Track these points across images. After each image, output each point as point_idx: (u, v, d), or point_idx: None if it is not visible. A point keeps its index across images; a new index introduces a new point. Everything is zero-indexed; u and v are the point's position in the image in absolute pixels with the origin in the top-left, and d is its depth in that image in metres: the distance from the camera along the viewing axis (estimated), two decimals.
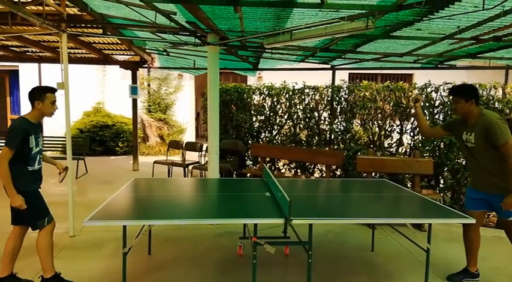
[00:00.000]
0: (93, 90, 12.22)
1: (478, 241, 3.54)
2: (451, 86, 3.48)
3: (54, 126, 11.29)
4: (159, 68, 9.45)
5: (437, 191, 5.42)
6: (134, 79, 8.70)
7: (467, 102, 3.27)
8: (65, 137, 4.73)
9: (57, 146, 8.68)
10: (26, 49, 8.05)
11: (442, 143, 5.40)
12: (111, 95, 12.22)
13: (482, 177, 3.34)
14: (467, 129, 3.36)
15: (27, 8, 4.49)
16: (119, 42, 6.76)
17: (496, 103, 5.19)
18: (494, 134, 3.12)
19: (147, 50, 7.62)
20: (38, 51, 8.03)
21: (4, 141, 2.94)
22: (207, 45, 4.94)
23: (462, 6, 3.20)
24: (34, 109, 3.12)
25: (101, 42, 7.03)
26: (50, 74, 11.76)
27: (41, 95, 3.11)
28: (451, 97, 3.38)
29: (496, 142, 3.13)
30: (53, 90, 3.18)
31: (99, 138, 10.91)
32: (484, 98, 5.20)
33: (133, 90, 8.46)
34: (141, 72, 11.92)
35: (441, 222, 3.34)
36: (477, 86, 5.34)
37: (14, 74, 12.51)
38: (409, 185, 5.56)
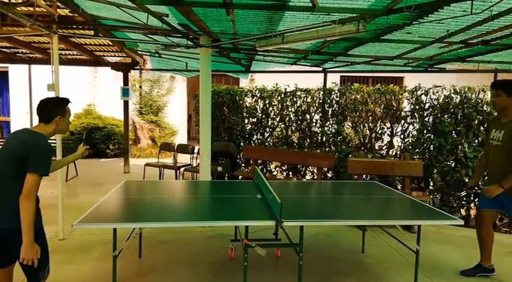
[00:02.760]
0: (84, 92, 12.13)
1: (490, 239, 3.61)
2: (495, 82, 3.51)
3: None
4: (151, 69, 9.41)
5: (427, 193, 5.48)
6: (126, 81, 8.65)
7: (509, 97, 3.29)
8: (55, 139, 4.69)
9: None
10: (16, 50, 7.97)
11: (431, 146, 5.46)
12: (103, 96, 12.15)
13: (498, 178, 3.36)
14: (498, 127, 3.39)
15: (18, 8, 4.45)
16: (110, 43, 6.73)
17: (485, 106, 5.26)
18: None
19: (139, 52, 7.59)
20: (28, 52, 7.96)
21: (35, 165, 2.21)
22: (199, 47, 4.94)
23: (451, 10, 3.25)
24: (50, 125, 2.46)
25: (92, 43, 6.99)
26: (40, 76, 11.65)
27: (62, 109, 2.51)
28: (493, 90, 3.40)
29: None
30: (69, 102, 2.60)
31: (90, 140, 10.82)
32: (473, 101, 5.27)
33: (125, 92, 8.42)
34: (133, 74, 11.87)
35: (430, 224, 3.37)
36: (466, 89, 5.42)
37: (3, 76, 12.36)
38: (399, 187, 5.61)
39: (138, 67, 8.84)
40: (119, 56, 8.41)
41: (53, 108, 2.48)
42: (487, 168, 3.60)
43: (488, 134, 3.55)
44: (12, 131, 12.44)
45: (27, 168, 2.19)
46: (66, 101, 2.57)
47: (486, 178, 3.66)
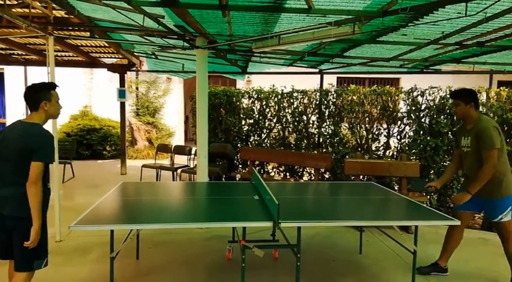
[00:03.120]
0: (80, 93, 12.10)
1: (458, 241, 3.64)
2: (453, 90, 3.61)
3: None
4: (148, 71, 9.41)
5: (424, 194, 5.49)
6: (122, 82, 8.64)
7: (467, 105, 3.37)
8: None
9: None
10: (11, 51, 7.94)
11: (428, 147, 5.49)
12: (99, 98, 12.12)
13: (468, 181, 3.44)
14: (466, 134, 3.46)
15: (13, 10, 4.44)
16: (106, 45, 6.72)
17: (480, 107, 5.29)
18: (484, 139, 3.22)
19: (135, 53, 7.58)
20: (24, 53, 7.93)
21: (39, 155, 2.36)
22: (195, 49, 4.94)
23: (446, 12, 3.27)
24: (39, 112, 2.51)
25: (88, 45, 6.98)
26: (36, 77, 11.60)
27: (47, 94, 2.53)
28: (452, 101, 3.53)
29: (482, 147, 3.23)
30: (55, 87, 2.63)
31: (87, 142, 10.79)
32: None
33: (121, 94, 8.41)
34: (129, 75, 11.85)
35: (428, 224, 3.39)
36: None
37: None
38: (396, 188, 5.63)
39: (134, 68, 8.83)
40: (115, 58, 8.40)
41: (37, 94, 2.52)
42: (456, 173, 3.70)
43: (458, 142, 3.61)
44: None
45: (32, 158, 2.34)
46: (50, 85, 2.60)
47: (463, 182, 3.69)
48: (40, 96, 2.52)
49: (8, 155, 2.42)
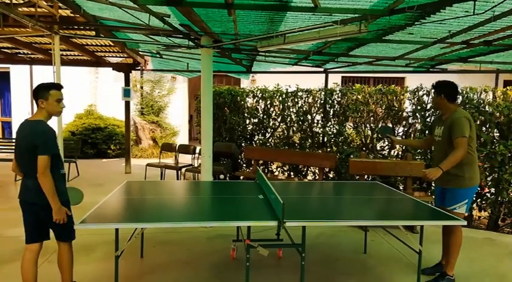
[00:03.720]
0: (85, 92, 12.15)
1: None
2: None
3: None
4: (152, 70, 9.43)
5: (429, 193, 5.46)
6: (127, 81, 8.66)
7: (438, 96, 3.50)
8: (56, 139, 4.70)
9: None
10: (17, 51, 7.98)
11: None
12: (104, 97, 12.16)
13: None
14: (440, 124, 3.58)
15: (19, 9, 4.46)
16: (111, 44, 6.74)
17: (487, 106, 5.25)
18: (454, 127, 3.32)
19: (140, 52, 7.60)
20: (29, 53, 7.97)
21: (41, 149, 2.65)
22: (200, 48, 4.94)
23: (453, 11, 3.25)
24: (39, 109, 2.82)
25: (94, 44, 7.00)
26: (42, 76, 11.66)
27: (44, 92, 2.79)
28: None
29: (452, 135, 3.32)
30: (58, 87, 2.86)
31: (91, 141, 10.83)
32: (475, 101, 5.26)
33: (126, 93, 8.43)
34: (134, 74, 11.88)
35: (433, 224, 3.36)
36: (468, 89, 5.41)
37: (5, 76, 12.39)
38: (401, 188, 5.61)
39: (139, 68, 8.84)
40: (120, 57, 8.42)
41: (35, 93, 2.82)
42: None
43: (432, 130, 3.76)
44: (13, 131, 12.49)
45: (37, 153, 2.66)
46: (51, 85, 2.86)
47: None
48: (39, 94, 2.80)
49: (23, 152, 2.78)
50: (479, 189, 5.31)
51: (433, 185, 5.69)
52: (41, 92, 2.79)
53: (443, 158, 3.39)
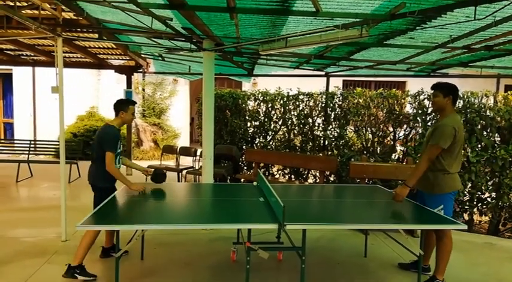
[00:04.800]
0: (87, 94, 12.19)
1: (431, 242, 3.62)
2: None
3: (48, 130, 11.25)
4: (154, 72, 9.46)
5: None
6: (129, 84, 8.70)
7: (445, 97, 3.41)
8: (58, 141, 4.71)
9: (50, 150, 8.63)
10: (20, 52, 8.02)
11: None
12: (106, 99, 12.18)
13: (423, 176, 3.52)
14: (432, 126, 3.60)
15: (23, 11, 4.48)
16: (114, 46, 6.77)
17: (488, 111, 5.26)
18: (435, 133, 3.31)
19: (142, 55, 7.63)
20: (32, 54, 8.01)
21: (105, 146, 3.52)
22: (202, 51, 4.96)
23: (454, 16, 3.27)
24: (118, 117, 3.71)
25: (96, 46, 7.03)
26: (44, 78, 11.72)
27: (126, 106, 3.70)
28: (432, 92, 3.56)
29: (430, 140, 3.33)
30: (134, 103, 3.85)
31: (93, 143, 10.84)
32: (476, 106, 5.27)
33: (128, 95, 8.45)
34: (136, 76, 11.91)
35: (433, 228, 3.37)
36: (469, 94, 5.42)
37: (8, 78, 12.44)
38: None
39: (141, 70, 8.87)
40: (122, 59, 8.45)
41: (118, 105, 3.71)
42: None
43: None
44: (15, 132, 12.52)
45: (103, 149, 3.53)
46: (129, 101, 3.81)
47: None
48: (121, 106, 3.70)
49: (94, 145, 3.70)
50: (479, 193, 5.31)
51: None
52: (123, 105, 3.70)
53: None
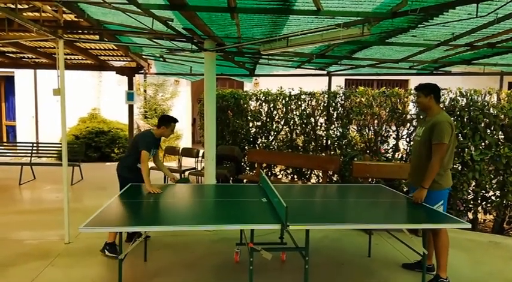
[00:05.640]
0: (89, 96, 12.21)
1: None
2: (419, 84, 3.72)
3: (50, 133, 11.27)
4: (156, 74, 9.46)
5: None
6: (130, 85, 8.69)
7: (427, 97, 3.53)
8: (60, 143, 4.71)
9: (52, 152, 8.64)
10: (22, 55, 8.04)
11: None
12: (107, 101, 12.21)
13: (412, 170, 3.67)
14: (422, 124, 3.63)
15: (24, 14, 4.49)
16: (115, 48, 6.77)
17: (491, 109, 5.22)
18: (435, 131, 3.34)
19: (143, 56, 7.63)
20: (34, 57, 8.02)
21: (140, 146, 3.98)
22: (203, 52, 4.95)
23: (456, 13, 3.24)
24: (159, 129, 4.18)
25: (98, 48, 7.04)
26: (46, 80, 11.75)
27: (168, 123, 4.16)
28: (416, 93, 3.70)
29: (432, 139, 3.36)
30: (176, 121, 4.25)
31: (95, 144, 10.86)
32: (479, 103, 5.24)
33: (130, 96, 8.45)
34: (137, 78, 11.94)
35: (437, 227, 3.34)
36: (472, 91, 5.39)
37: (9, 80, 12.48)
38: (405, 190, 5.58)
39: (142, 71, 8.87)
40: (123, 61, 8.45)
41: (163, 119, 4.19)
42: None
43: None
44: (18, 135, 12.56)
45: (139, 148, 3.99)
46: (172, 119, 4.21)
47: (410, 173, 3.76)
48: (164, 121, 4.16)
49: (129, 145, 4.42)
50: (483, 191, 5.28)
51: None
52: (166, 121, 4.16)
53: (417, 159, 3.55)
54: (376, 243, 4.47)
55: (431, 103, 3.53)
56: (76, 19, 5.03)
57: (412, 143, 5.91)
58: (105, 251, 4.01)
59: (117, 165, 4.34)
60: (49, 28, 4.33)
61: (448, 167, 3.48)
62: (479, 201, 5.38)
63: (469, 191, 5.29)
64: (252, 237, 2.96)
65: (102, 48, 7.01)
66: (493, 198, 5.34)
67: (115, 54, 7.64)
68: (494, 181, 5.28)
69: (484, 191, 5.32)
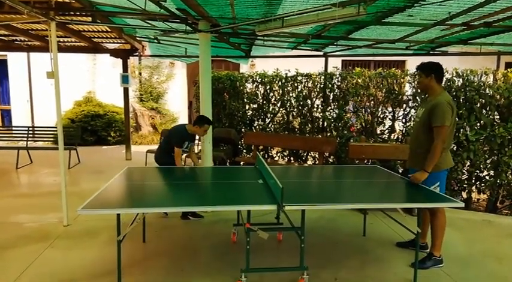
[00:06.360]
0: (83, 79, 12.09)
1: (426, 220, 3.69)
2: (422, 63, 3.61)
3: (46, 116, 11.21)
4: (150, 56, 9.34)
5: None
6: (125, 68, 8.61)
7: (427, 77, 3.43)
8: (56, 127, 4.69)
9: (48, 136, 8.61)
10: (14, 38, 7.91)
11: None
12: (102, 84, 12.11)
13: (410, 152, 3.61)
14: (423, 105, 3.58)
15: None
16: (108, 30, 6.67)
17: (487, 89, 5.22)
18: (436, 113, 3.28)
19: (137, 38, 7.53)
20: (26, 40, 7.90)
21: (174, 142, 4.48)
22: (198, 33, 4.89)
23: None
24: (193, 126, 4.53)
25: (91, 30, 6.93)
26: (39, 63, 11.60)
27: (202, 124, 4.48)
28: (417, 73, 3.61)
29: (433, 122, 3.29)
30: (210, 123, 4.58)
31: (91, 128, 10.83)
32: (475, 84, 5.24)
33: (124, 79, 8.38)
34: (132, 60, 11.80)
35: (431, 207, 3.39)
36: (468, 72, 5.37)
37: (2, 64, 12.31)
38: (400, 171, 5.63)
39: (137, 53, 8.77)
40: (117, 43, 8.34)
41: (198, 120, 4.53)
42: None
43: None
44: (13, 119, 12.49)
45: (172, 143, 4.50)
46: (206, 121, 4.52)
47: (409, 155, 3.70)
48: (199, 121, 4.51)
49: (165, 136, 4.96)
50: (477, 171, 5.34)
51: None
52: (201, 122, 4.48)
53: (415, 140, 3.50)
54: (371, 222, 4.54)
55: (432, 83, 3.42)
56: (67, 0, 4.94)
57: (408, 124, 5.94)
58: (188, 217, 4.60)
59: (155, 153, 4.85)
60: (40, 10, 4.25)
61: (448, 148, 3.44)
62: (473, 181, 5.45)
63: (464, 171, 5.35)
64: (249, 217, 3.00)
65: (96, 30, 6.91)
66: (487, 178, 5.41)
67: (109, 36, 7.53)
68: (488, 161, 5.34)
69: (478, 171, 5.38)
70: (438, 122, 3.26)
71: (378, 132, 6.30)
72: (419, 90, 5.55)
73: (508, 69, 5.42)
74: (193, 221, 4.63)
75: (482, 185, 5.44)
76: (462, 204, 3.08)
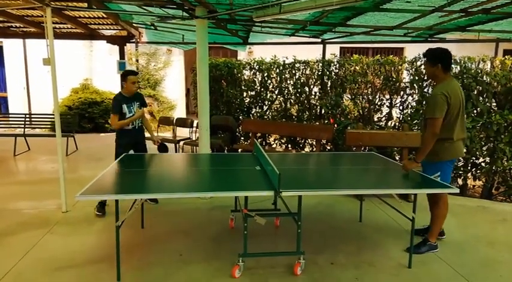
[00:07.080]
0: (80, 66, 12.00)
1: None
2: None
3: (43, 104, 11.16)
4: (147, 42, 9.27)
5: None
6: (122, 54, 8.55)
7: (433, 66, 3.32)
8: (53, 114, 4.68)
9: (46, 123, 8.59)
10: (9, 24, 7.82)
11: None
12: (99, 71, 12.02)
13: (421, 143, 3.54)
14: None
15: None
16: (105, 16, 6.60)
17: (485, 76, 5.23)
18: (427, 105, 3.28)
19: (134, 24, 7.45)
20: (22, 26, 7.81)
21: (111, 110, 4.33)
22: (195, 19, 4.85)
23: None
24: (123, 87, 4.42)
25: (87, 16, 6.85)
26: (36, 50, 11.49)
27: (124, 77, 4.31)
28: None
29: (425, 113, 3.29)
30: (133, 73, 4.37)
31: (88, 115, 10.80)
32: (473, 71, 5.24)
33: (121, 66, 8.33)
34: (129, 47, 11.69)
35: (426, 192, 3.44)
36: (466, 59, 5.37)
37: None
38: (397, 158, 5.67)
39: (133, 40, 8.69)
40: (114, 29, 8.26)
41: (123, 76, 4.33)
42: None
43: None
44: (10, 106, 12.42)
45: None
46: (127, 73, 4.32)
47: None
48: (123, 77, 4.37)
49: None
50: (473, 158, 5.38)
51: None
52: (124, 76, 4.31)
53: (422, 132, 3.47)
54: (367, 209, 4.59)
55: (438, 72, 3.29)
56: None
57: (405, 111, 5.96)
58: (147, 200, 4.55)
59: None
60: None
61: (456, 138, 3.30)
62: (469, 168, 5.50)
63: (460, 158, 5.39)
64: (246, 203, 3.03)
65: (92, 16, 6.83)
66: (482, 164, 5.45)
67: (105, 23, 7.45)
68: (484, 148, 5.37)
69: (474, 158, 5.42)
70: (429, 113, 3.22)
71: (375, 119, 6.31)
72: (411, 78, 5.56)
73: (506, 56, 5.42)
74: (154, 205, 4.68)
75: (478, 171, 5.49)
76: (457, 190, 3.13)
